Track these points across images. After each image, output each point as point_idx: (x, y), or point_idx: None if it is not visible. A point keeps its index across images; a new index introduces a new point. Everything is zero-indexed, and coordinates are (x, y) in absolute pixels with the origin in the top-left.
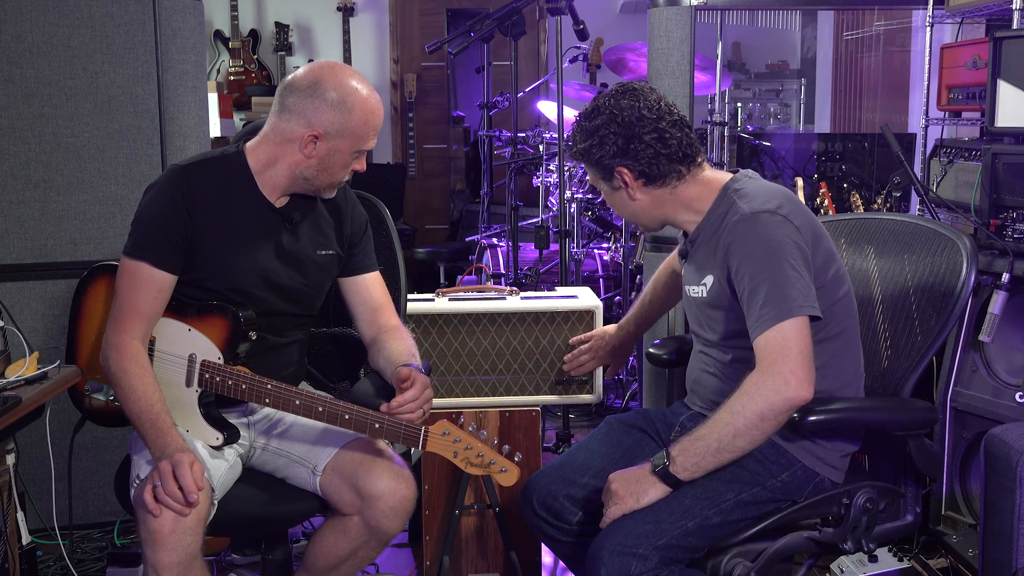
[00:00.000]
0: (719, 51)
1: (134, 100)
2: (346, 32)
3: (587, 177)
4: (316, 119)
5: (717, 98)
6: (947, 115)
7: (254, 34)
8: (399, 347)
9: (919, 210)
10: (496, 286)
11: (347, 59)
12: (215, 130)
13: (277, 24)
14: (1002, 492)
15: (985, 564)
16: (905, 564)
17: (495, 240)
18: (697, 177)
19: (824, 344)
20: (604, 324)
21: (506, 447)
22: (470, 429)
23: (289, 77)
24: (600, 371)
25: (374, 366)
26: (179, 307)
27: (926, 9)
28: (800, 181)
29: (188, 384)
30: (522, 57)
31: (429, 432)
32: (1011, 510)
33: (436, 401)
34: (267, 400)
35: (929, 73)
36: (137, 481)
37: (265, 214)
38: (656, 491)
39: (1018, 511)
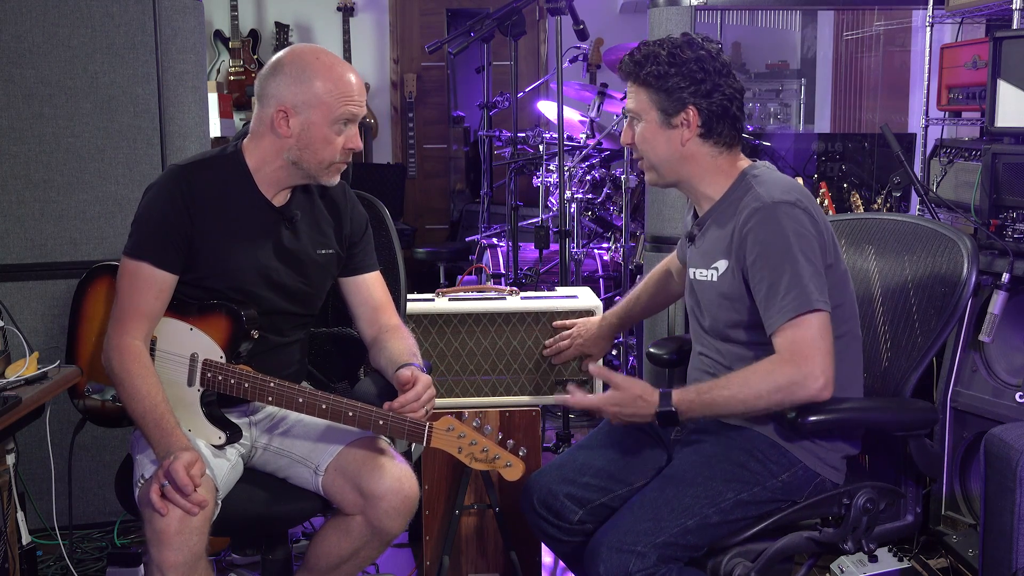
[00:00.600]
0: None
1: (134, 100)
2: (346, 32)
3: (625, 104)
4: (280, 96)
5: None
6: (947, 115)
7: (254, 34)
8: (400, 347)
9: (919, 210)
10: (496, 286)
11: (347, 59)
12: (215, 130)
13: (277, 24)
14: (1002, 492)
15: (985, 564)
16: (905, 564)
17: (495, 240)
18: (734, 154)
19: None
20: None
21: (510, 442)
22: (474, 424)
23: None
24: None
25: (375, 366)
26: (180, 307)
27: (926, 9)
28: (800, 181)
29: (190, 383)
30: (522, 57)
31: (433, 428)
32: (1011, 510)
33: (436, 401)
34: (270, 398)
35: (929, 73)
36: (142, 481)
37: (264, 213)
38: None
39: (1018, 511)
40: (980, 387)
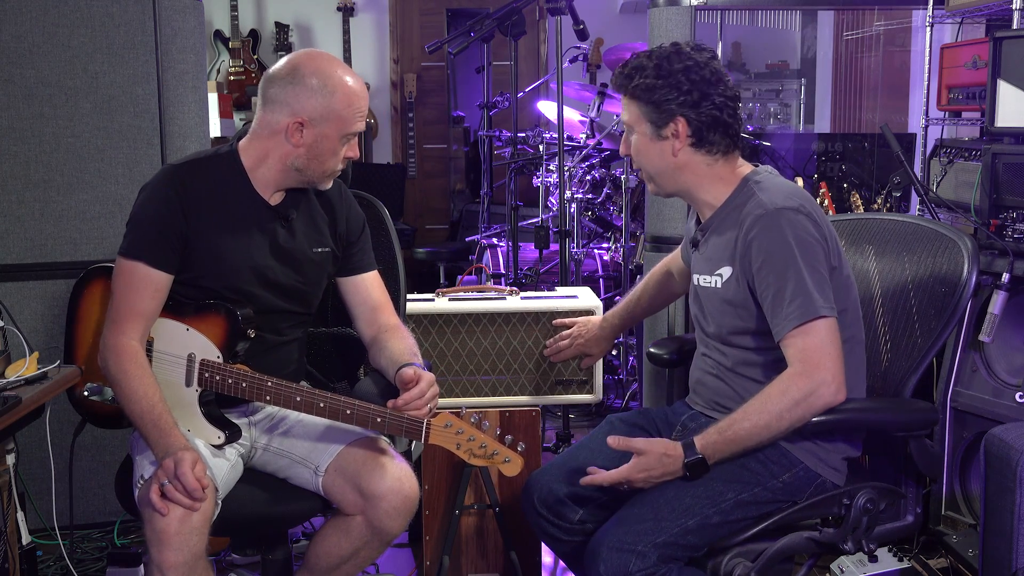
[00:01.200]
0: (719, 51)
1: (134, 100)
2: (346, 32)
3: (620, 116)
4: (299, 106)
5: None
6: (947, 115)
7: (254, 34)
8: (400, 346)
9: (919, 210)
10: (496, 286)
11: (347, 59)
12: (215, 130)
13: (277, 24)
14: (1002, 492)
15: (985, 564)
16: (905, 564)
17: (495, 240)
18: (733, 161)
19: None
20: None
21: (508, 437)
22: (472, 420)
23: (269, 69)
24: (600, 371)
25: (375, 366)
26: (176, 307)
27: (926, 9)
28: (800, 181)
29: (188, 384)
30: (522, 57)
31: (431, 425)
32: (1011, 510)
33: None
34: (268, 397)
35: (929, 73)
36: (141, 481)
37: (260, 212)
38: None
39: (1018, 511)
40: (980, 387)
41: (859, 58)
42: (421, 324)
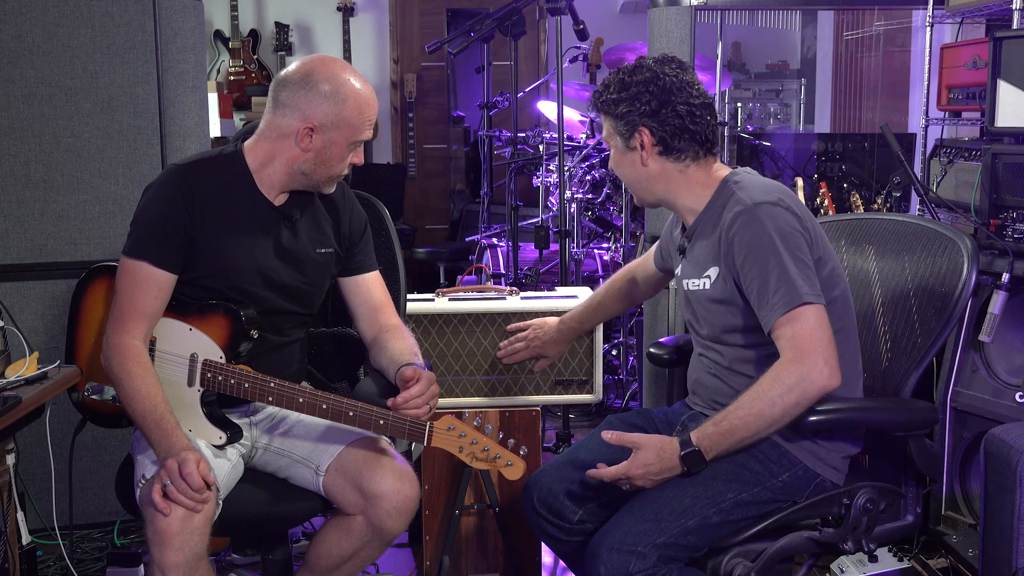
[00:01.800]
0: (719, 51)
1: (134, 100)
2: (346, 32)
3: (600, 134)
4: (311, 112)
5: (717, 98)
6: (947, 115)
7: (254, 34)
8: (401, 346)
9: (919, 210)
10: (496, 286)
11: (347, 59)
12: (215, 130)
13: (277, 24)
14: (1002, 492)
15: (985, 564)
16: (905, 564)
17: (495, 240)
18: (707, 165)
19: None
20: (603, 325)
21: (511, 441)
22: (475, 424)
23: (281, 73)
24: (600, 370)
25: (376, 366)
26: (180, 307)
27: (926, 9)
28: (800, 181)
29: (190, 384)
30: (522, 57)
31: (434, 427)
32: (1011, 510)
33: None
34: (270, 398)
35: (929, 73)
36: (143, 481)
37: (264, 212)
38: (677, 477)
39: (1018, 511)
40: (980, 387)
41: (859, 58)
42: (421, 324)
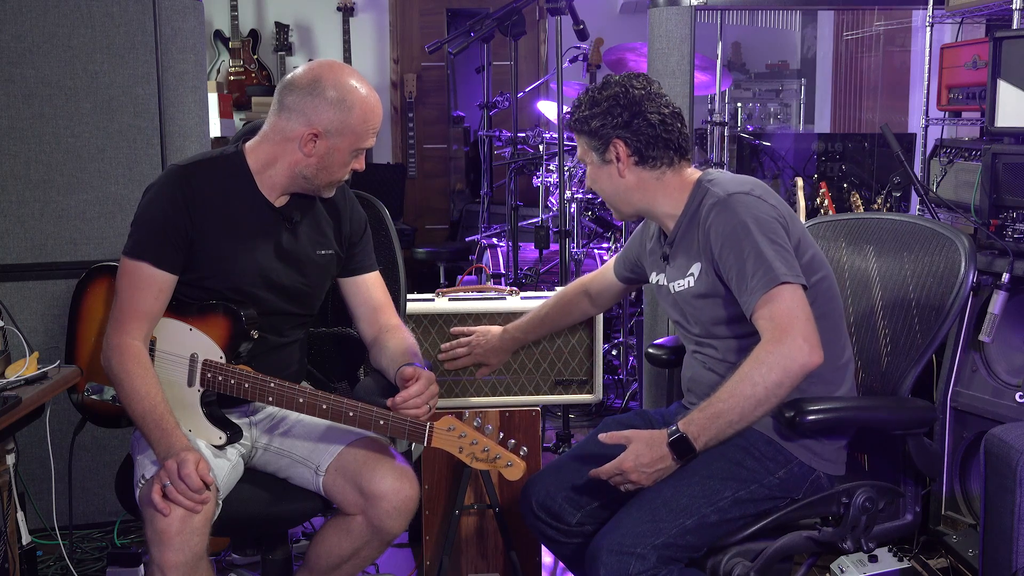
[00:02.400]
0: (719, 51)
1: (134, 100)
2: (346, 32)
3: (577, 153)
4: (316, 118)
5: (717, 98)
6: (947, 115)
7: (254, 34)
8: (401, 346)
9: (919, 210)
10: (496, 286)
11: (347, 59)
12: (215, 130)
13: (277, 24)
14: (1002, 492)
15: (985, 564)
16: (905, 564)
17: (495, 240)
18: (682, 171)
19: None
20: (603, 325)
21: (511, 441)
22: (475, 424)
23: (288, 76)
24: (600, 370)
25: (376, 366)
26: (180, 307)
27: (926, 9)
28: (800, 181)
29: (190, 384)
30: (522, 57)
31: (434, 428)
32: (1011, 510)
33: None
34: (270, 398)
35: (929, 73)
36: (143, 481)
37: (265, 214)
38: (671, 470)
39: (1018, 511)
40: (980, 387)
41: (859, 58)
42: (421, 324)
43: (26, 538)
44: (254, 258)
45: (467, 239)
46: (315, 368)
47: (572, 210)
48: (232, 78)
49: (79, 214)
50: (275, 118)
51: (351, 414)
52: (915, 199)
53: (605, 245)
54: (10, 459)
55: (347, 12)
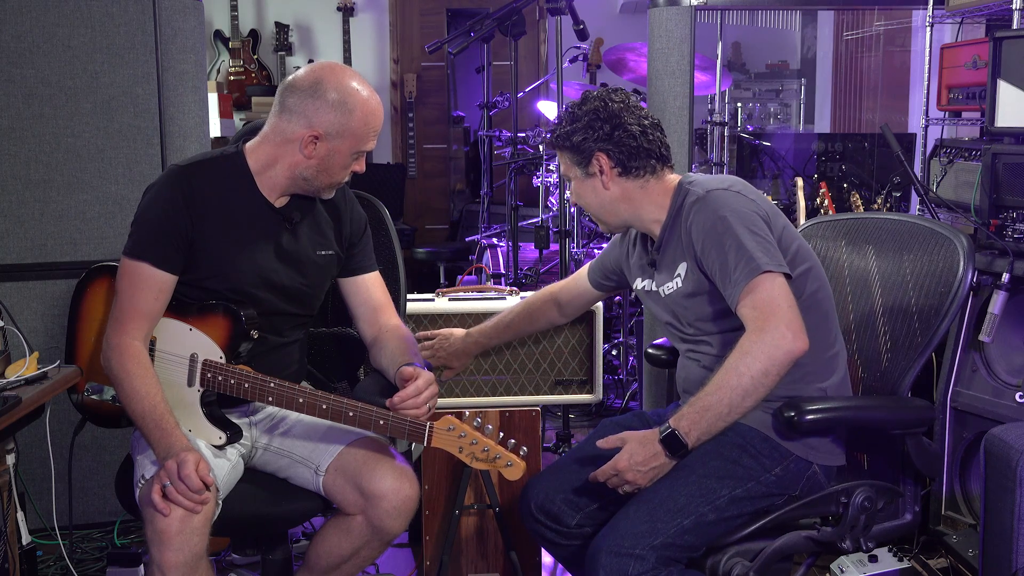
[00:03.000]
0: (719, 51)
1: (134, 100)
2: (346, 32)
3: (560, 170)
4: (317, 120)
5: (717, 98)
6: (947, 115)
7: (254, 34)
8: (401, 346)
9: (919, 210)
10: (496, 286)
11: (347, 59)
12: (215, 130)
13: (277, 24)
14: (1002, 492)
15: (985, 564)
16: (905, 564)
17: (495, 240)
18: (664, 178)
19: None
20: (603, 325)
21: (511, 441)
22: (475, 424)
23: (290, 77)
24: (600, 370)
25: (376, 366)
26: (180, 307)
27: (926, 9)
28: (800, 181)
29: (190, 384)
30: (522, 57)
31: (434, 428)
32: (1011, 510)
33: (437, 400)
34: (270, 398)
35: (929, 73)
36: (142, 481)
37: (265, 214)
38: (666, 468)
39: (1018, 511)
40: (980, 387)
41: (859, 58)
42: (421, 324)
43: (26, 538)
44: (254, 258)
45: (467, 239)
46: (315, 368)
47: (572, 210)
48: (232, 78)
49: (79, 214)
50: (276, 119)
51: (351, 414)
52: (915, 199)
53: (605, 245)
54: (10, 459)
55: (347, 12)
